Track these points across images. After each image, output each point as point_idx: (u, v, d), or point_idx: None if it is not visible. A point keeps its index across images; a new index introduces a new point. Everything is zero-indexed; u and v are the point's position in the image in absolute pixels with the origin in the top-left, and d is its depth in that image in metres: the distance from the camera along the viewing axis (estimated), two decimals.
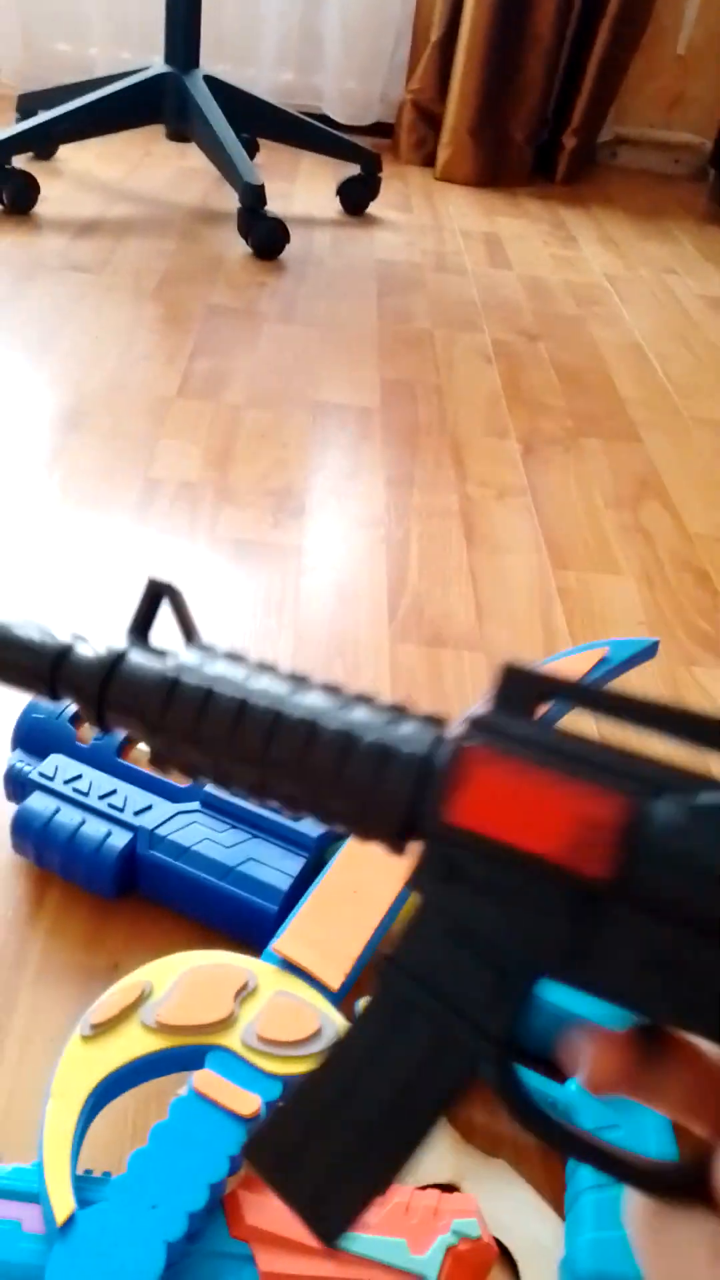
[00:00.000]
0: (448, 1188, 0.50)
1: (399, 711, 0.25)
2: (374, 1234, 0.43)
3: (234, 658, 0.26)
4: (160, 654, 0.26)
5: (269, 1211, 0.44)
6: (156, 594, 0.27)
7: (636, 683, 0.79)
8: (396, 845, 0.24)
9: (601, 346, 1.50)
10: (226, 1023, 0.48)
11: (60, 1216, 0.41)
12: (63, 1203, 0.41)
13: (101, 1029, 0.47)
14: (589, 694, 0.23)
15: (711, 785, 0.21)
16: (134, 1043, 0.47)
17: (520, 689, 0.23)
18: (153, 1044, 0.47)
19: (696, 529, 1.08)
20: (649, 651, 0.69)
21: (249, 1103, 0.45)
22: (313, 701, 0.24)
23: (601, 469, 1.17)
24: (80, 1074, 0.46)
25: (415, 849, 0.24)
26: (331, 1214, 0.24)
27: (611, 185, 2.36)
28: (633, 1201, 0.23)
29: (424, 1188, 0.49)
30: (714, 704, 0.84)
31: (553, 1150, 0.24)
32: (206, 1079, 0.46)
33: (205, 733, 0.25)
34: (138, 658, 0.26)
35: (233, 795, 0.27)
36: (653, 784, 0.21)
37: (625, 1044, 0.23)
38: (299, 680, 0.25)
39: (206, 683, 0.25)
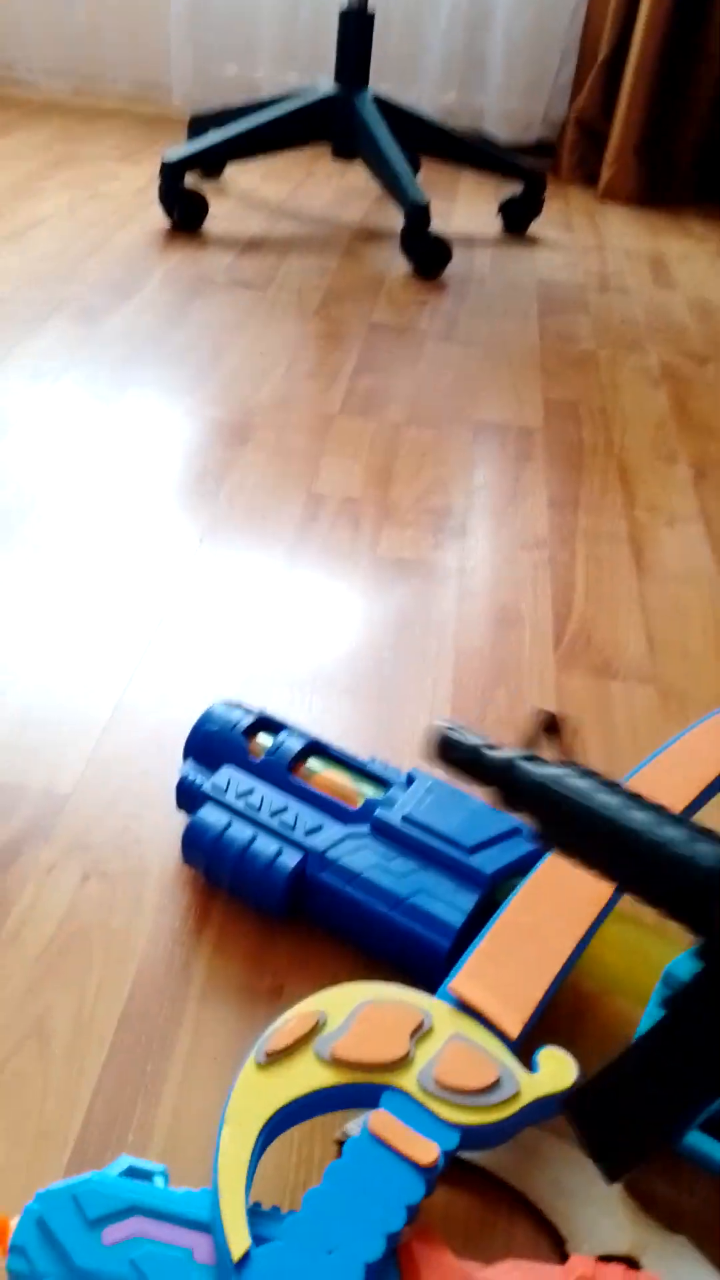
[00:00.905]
0: (626, 1261, 0.47)
1: (700, 831, 0.33)
2: None
3: (588, 774, 0.36)
4: (543, 763, 0.37)
5: (445, 1269, 0.41)
6: (548, 724, 0.41)
7: None
8: (700, 922, 0.32)
9: None
10: (402, 1063, 0.46)
11: (237, 1253, 0.40)
12: (239, 1238, 0.40)
13: (276, 1058, 0.46)
14: None
15: None
16: (308, 1075, 0.46)
17: None
18: (327, 1078, 0.46)
19: None
20: None
21: (427, 1150, 0.43)
22: (635, 815, 0.34)
23: None
24: (255, 1103, 0.44)
25: None
26: (618, 1158, 0.33)
27: None
28: None
29: (603, 1260, 0.46)
30: None
31: None
32: (383, 1121, 0.44)
33: (566, 825, 0.35)
34: (528, 767, 0.37)
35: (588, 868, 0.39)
36: None
37: None
38: (631, 798, 0.35)
39: (575, 795, 0.35)
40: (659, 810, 0.35)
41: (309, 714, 0.77)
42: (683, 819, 0.35)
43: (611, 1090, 0.33)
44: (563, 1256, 0.47)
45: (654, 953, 0.55)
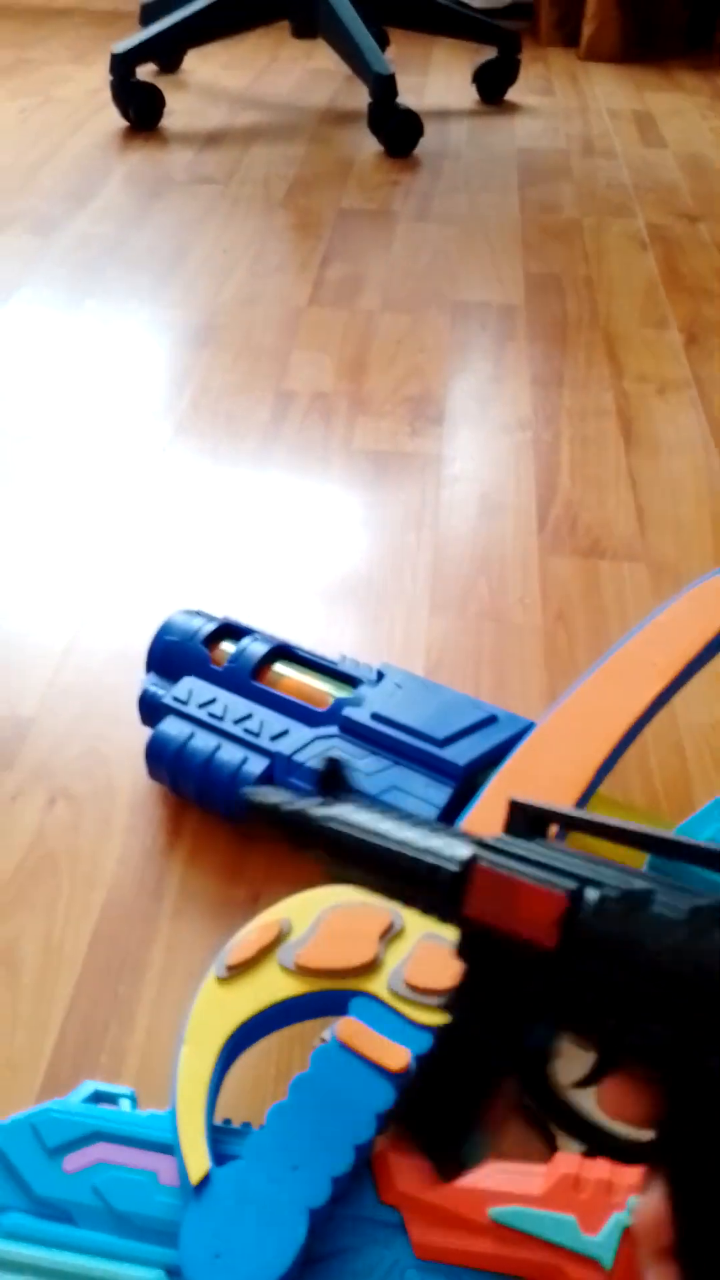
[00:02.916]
0: None
1: (457, 834, 0.35)
2: (540, 1209, 0.39)
3: (369, 804, 0.38)
4: (329, 803, 0.38)
5: (422, 1176, 0.39)
6: (333, 769, 0.39)
7: None
8: (454, 923, 0.33)
9: None
10: (371, 967, 0.44)
11: (195, 1176, 0.38)
12: (197, 1161, 0.38)
13: (238, 970, 0.44)
14: (578, 820, 0.33)
15: (633, 875, 0.30)
16: (273, 986, 0.43)
17: (524, 816, 0.33)
18: (292, 988, 0.43)
19: None
20: None
21: (397, 1056, 0.41)
22: (407, 833, 0.35)
23: None
24: (216, 1019, 0.42)
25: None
26: (453, 1159, 0.33)
27: None
28: None
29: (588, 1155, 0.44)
30: None
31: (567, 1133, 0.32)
32: (351, 1028, 0.42)
33: (347, 855, 0.37)
34: (316, 808, 0.38)
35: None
36: (589, 880, 0.30)
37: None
38: (405, 816, 0.36)
39: (344, 827, 0.37)
40: (409, 818, 0.36)
41: (282, 618, 0.73)
42: (432, 822, 0.36)
43: (431, 1096, 0.34)
44: (553, 1154, 0.45)
45: None
